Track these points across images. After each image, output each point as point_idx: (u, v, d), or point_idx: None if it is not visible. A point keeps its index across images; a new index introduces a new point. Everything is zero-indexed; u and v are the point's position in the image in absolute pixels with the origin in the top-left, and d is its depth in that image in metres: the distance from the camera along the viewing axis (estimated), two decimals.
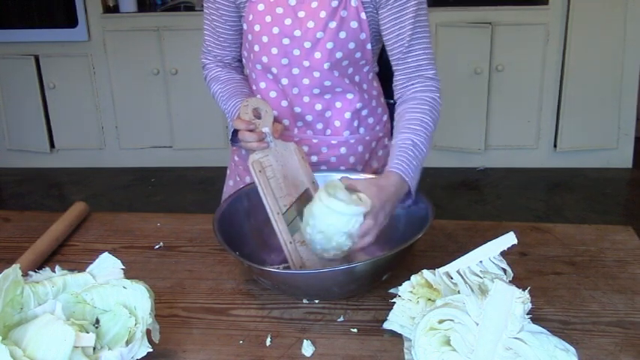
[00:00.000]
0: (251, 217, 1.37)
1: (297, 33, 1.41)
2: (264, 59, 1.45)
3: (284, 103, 1.49)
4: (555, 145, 3.99)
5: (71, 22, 3.93)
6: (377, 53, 1.52)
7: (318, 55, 1.41)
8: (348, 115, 1.49)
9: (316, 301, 1.22)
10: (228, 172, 1.69)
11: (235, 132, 1.40)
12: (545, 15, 3.75)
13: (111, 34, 3.97)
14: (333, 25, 1.39)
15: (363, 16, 1.39)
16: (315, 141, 1.51)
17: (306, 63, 1.43)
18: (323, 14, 1.39)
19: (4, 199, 3.99)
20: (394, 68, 1.44)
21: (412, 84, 1.40)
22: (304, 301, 1.23)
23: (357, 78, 1.48)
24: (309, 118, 1.49)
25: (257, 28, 1.43)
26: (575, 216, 3.50)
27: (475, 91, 3.86)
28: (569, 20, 3.72)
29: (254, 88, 1.53)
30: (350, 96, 1.48)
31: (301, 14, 1.40)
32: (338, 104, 1.49)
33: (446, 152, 4.00)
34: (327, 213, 1.16)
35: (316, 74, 1.43)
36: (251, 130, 1.32)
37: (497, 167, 4.05)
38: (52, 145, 4.25)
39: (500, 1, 3.77)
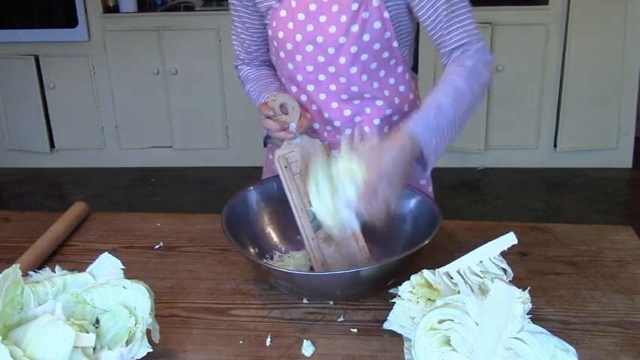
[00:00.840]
0: (252, 217, 1.38)
1: (320, 39, 1.38)
2: (290, 66, 1.44)
3: (314, 107, 1.47)
4: (555, 145, 3.99)
5: (71, 22, 3.93)
6: (409, 46, 1.47)
7: (342, 60, 1.39)
8: (377, 121, 1.46)
9: (330, 302, 1.22)
10: (264, 169, 1.69)
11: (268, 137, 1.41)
12: (545, 15, 3.75)
13: (111, 34, 3.97)
14: (355, 28, 1.36)
15: (386, 14, 1.35)
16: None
17: (332, 69, 1.41)
18: (344, 19, 1.36)
19: (4, 199, 3.99)
20: (439, 51, 1.36)
21: (452, 54, 1.33)
22: (304, 301, 1.23)
23: (391, 80, 1.45)
24: (337, 123, 1.47)
25: (281, 35, 1.42)
26: (575, 216, 3.50)
27: None
28: (569, 20, 3.72)
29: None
30: (379, 102, 1.45)
31: (322, 19, 1.37)
32: (367, 110, 1.46)
33: (446, 152, 3.93)
34: (316, 198, 1.17)
35: (342, 80, 1.41)
36: (270, 117, 1.33)
37: (497, 167, 4.05)
38: (52, 145, 4.25)
39: (500, 1, 3.77)
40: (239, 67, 1.59)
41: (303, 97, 1.47)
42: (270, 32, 1.45)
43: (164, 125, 4.14)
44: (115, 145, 4.23)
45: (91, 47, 4.01)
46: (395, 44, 1.40)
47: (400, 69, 1.46)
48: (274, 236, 1.39)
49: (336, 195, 1.15)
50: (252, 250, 1.33)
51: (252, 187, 1.40)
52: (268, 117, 1.36)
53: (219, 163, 4.17)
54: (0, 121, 4.23)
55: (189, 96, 4.04)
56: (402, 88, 1.47)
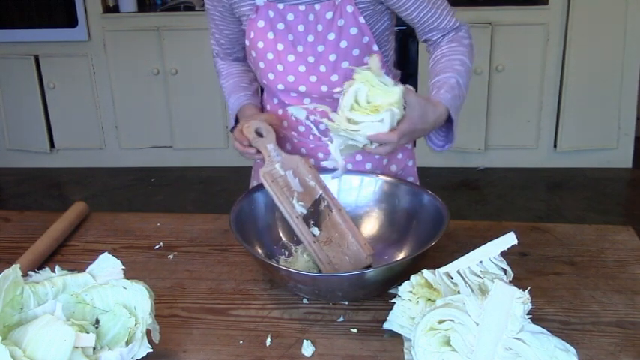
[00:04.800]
0: (258, 218, 1.39)
1: (300, 49, 1.39)
2: (270, 76, 1.44)
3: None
4: (555, 145, 3.99)
5: (71, 22, 3.93)
6: (390, 44, 1.48)
7: (323, 68, 1.40)
8: None
9: (346, 302, 1.22)
10: (252, 172, 1.69)
11: (235, 125, 1.46)
12: (545, 15, 3.75)
13: (111, 34, 3.97)
14: (332, 37, 1.37)
15: (362, 20, 1.36)
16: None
17: (313, 78, 1.41)
18: (320, 27, 1.37)
19: (4, 199, 3.99)
20: (427, 36, 1.43)
21: (446, 36, 1.42)
22: (304, 301, 1.23)
23: None
24: (322, 126, 1.48)
25: (260, 45, 1.42)
26: (575, 216, 3.50)
27: (475, 91, 3.86)
28: (569, 20, 3.72)
29: (266, 105, 1.53)
30: None
31: (301, 28, 1.39)
32: None
33: (446, 152, 3.99)
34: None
35: (324, 88, 1.42)
36: (245, 146, 1.37)
37: (497, 167, 4.05)
38: (52, 145, 4.25)
39: (500, 1, 3.77)
40: (215, 59, 1.63)
41: (281, 111, 1.49)
42: (247, 43, 1.45)
43: (164, 125, 4.15)
44: (115, 145, 4.23)
45: (91, 47, 4.01)
46: (375, 48, 1.40)
47: (382, 71, 1.46)
48: (279, 238, 1.38)
49: (361, 115, 1.18)
50: (259, 250, 1.33)
51: (258, 189, 1.41)
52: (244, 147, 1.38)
53: (219, 163, 4.17)
54: (0, 121, 4.23)
55: (189, 96, 4.04)
56: None
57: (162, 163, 4.23)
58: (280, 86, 1.45)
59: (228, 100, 1.56)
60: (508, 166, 4.05)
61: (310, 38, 1.38)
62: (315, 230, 1.32)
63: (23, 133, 4.22)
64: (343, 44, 1.37)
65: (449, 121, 1.31)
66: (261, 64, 1.44)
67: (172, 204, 3.79)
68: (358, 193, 1.44)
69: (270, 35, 1.40)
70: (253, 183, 1.71)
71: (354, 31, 1.37)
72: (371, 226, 1.41)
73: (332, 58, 1.38)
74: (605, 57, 3.79)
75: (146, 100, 4.10)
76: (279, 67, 1.42)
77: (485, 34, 3.74)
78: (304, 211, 1.32)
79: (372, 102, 1.17)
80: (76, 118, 4.18)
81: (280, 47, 1.41)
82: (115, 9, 4.01)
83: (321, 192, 1.37)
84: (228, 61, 1.60)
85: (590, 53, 3.77)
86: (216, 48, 1.59)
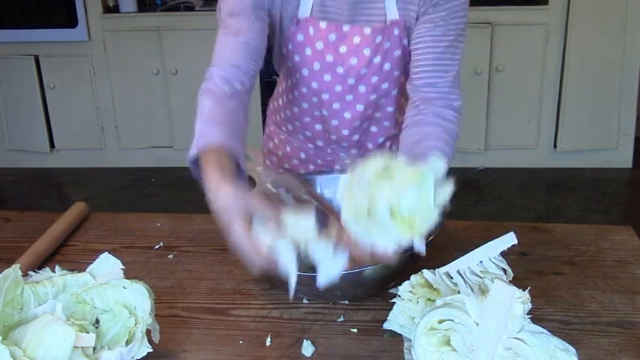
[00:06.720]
0: None
1: (340, 70, 1.35)
2: (304, 90, 1.41)
3: (318, 127, 1.47)
4: (555, 145, 3.99)
5: (71, 22, 3.93)
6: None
7: (362, 88, 1.37)
8: (381, 140, 1.48)
9: (346, 302, 1.22)
10: None
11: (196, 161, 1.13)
12: (545, 15, 3.75)
13: (111, 34, 3.97)
14: (377, 60, 1.34)
15: (405, 41, 1.34)
16: (347, 162, 1.49)
17: (349, 97, 1.39)
18: (367, 52, 1.33)
19: (4, 199, 3.99)
20: (417, 75, 1.31)
21: (439, 107, 1.32)
22: (304, 301, 1.23)
23: (394, 112, 1.44)
24: (344, 144, 1.49)
25: (297, 58, 1.36)
26: (575, 216, 3.50)
27: (475, 91, 3.86)
28: (569, 20, 3.72)
29: (287, 111, 1.49)
30: (387, 124, 1.45)
31: (343, 49, 1.33)
32: (373, 129, 1.46)
33: None
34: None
35: (359, 107, 1.40)
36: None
37: (497, 167, 4.05)
38: (52, 145, 4.25)
39: (500, 1, 3.77)
40: (213, 77, 1.23)
41: (307, 119, 1.46)
42: (284, 50, 1.38)
43: (164, 125, 4.14)
44: (115, 145, 4.23)
45: (91, 47, 4.01)
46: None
47: (403, 100, 1.45)
48: None
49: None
50: None
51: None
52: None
53: None
54: (0, 121, 4.23)
55: (189, 96, 3.99)
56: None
57: (162, 163, 4.23)
58: (314, 99, 1.42)
59: (199, 120, 1.16)
60: (508, 166, 4.05)
61: (353, 61, 1.34)
62: None
63: (23, 133, 4.22)
64: (387, 66, 1.35)
65: None
66: (297, 75, 1.40)
67: (172, 204, 3.79)
68: None
69: (308, 51, 1.35)
70: None
71: (397, 53, 1.34)
72: None
73: (374, 80, 1.36)
74: (605, 57, 3.79)
75: (146, 100, 4.10)
76: (314, 85, 1.38)
77: (486, 34, 3.74)
78: None
79: (413, 217, 1.00)
80: (76, 118, 4.18)
81: (317, 66, 1.35)
82: (115, 9, 4.01)
83: (316, 204, 1.38)
84: (224, 96, 1.21)
85: (590, 53, 3.77)
86: (218, 72, 1.23)
